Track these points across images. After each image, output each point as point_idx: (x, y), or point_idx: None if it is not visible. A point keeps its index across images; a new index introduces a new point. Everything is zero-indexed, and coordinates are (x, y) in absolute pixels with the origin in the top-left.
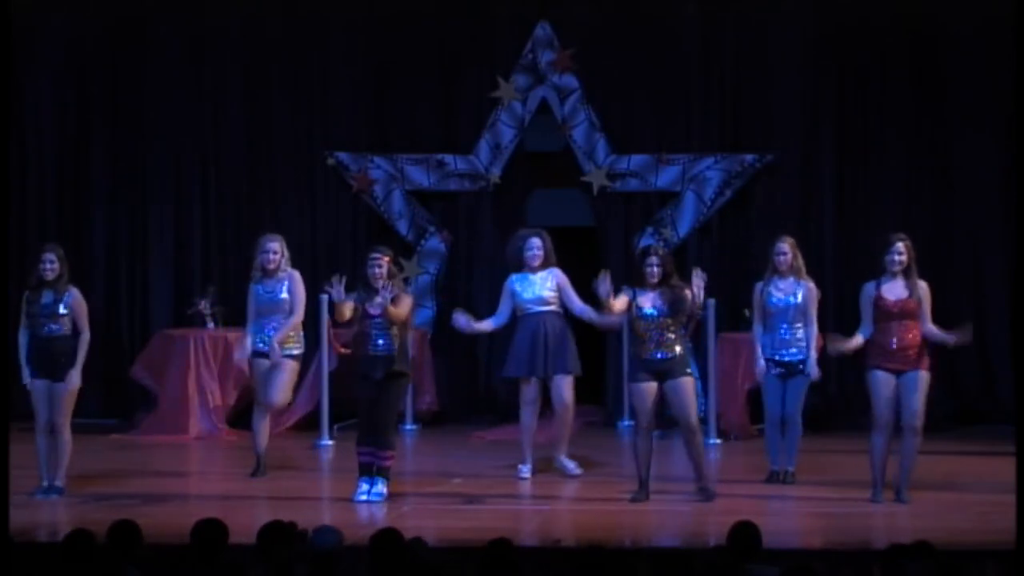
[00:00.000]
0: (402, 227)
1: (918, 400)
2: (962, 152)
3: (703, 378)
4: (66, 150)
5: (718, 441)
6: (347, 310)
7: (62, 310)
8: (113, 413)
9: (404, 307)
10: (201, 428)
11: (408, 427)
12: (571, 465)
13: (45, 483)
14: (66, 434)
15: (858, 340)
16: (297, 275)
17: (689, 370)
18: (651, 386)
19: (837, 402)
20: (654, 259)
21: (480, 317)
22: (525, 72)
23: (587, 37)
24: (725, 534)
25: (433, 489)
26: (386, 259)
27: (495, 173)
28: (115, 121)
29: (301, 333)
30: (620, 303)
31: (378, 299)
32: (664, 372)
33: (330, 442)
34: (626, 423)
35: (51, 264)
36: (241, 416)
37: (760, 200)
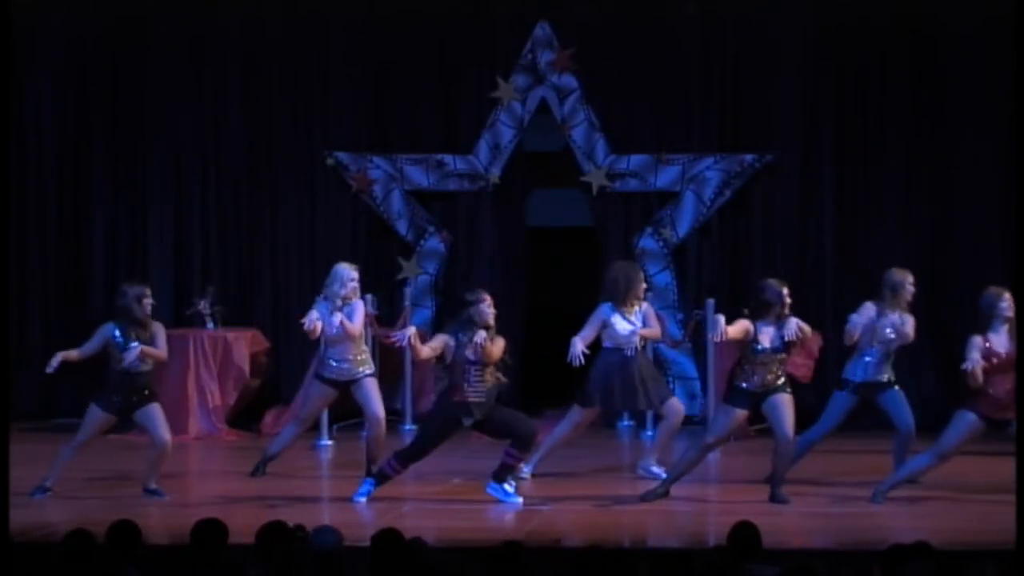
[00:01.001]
0: (401, 227)
1: None
2: (962, 152)
3: (702, 379)
4: (66, 150)
5: None
6: (426, 351)
7: (150, 346)
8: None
9: (499, 347)
10: (201, 428)
11: (408, 427)
12: (659, 471)
13: (47, 484)
14: (170, 447)
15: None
16: (362, 304)
17: (788, 388)
18: (742, 415)
19: None
20: (787, 291)
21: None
22: (525, 72)
23: (587, 37)
24: (725, 534)
25: (433, 489)
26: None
27: (494, 173)
28: (115, 121)
29: (368, 352)
30: (736, 329)
31: (476, 339)
32: (763, 397)
33: (329, 442)
34: (625, 423)
35: (151, 302)
36: (241, 416)
37: (760, 200)
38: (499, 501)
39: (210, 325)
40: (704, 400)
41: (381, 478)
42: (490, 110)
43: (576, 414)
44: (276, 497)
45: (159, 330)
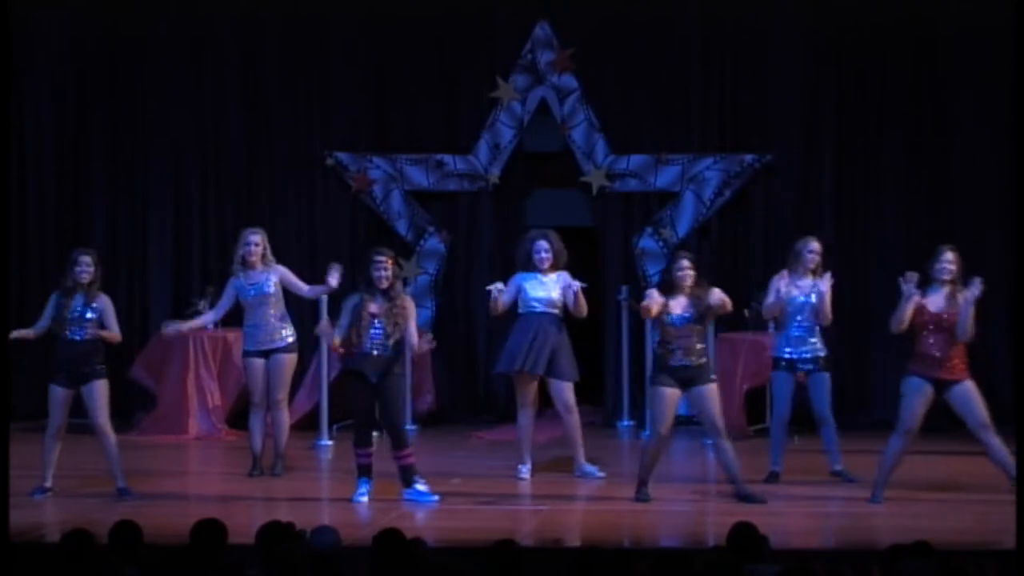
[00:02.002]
0: (401, 227)
1: (978, 407)
2: (962, 152)
3: None
4: (66, 150)
5: None
6: (338, 343)
7: (89, 315)
8: (112, 413)
9: (412, 312)
10: (200, 428)
11: (407, 427)
12: (592, 469)
13: (47, 484)
14: (110, 433)
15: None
16: (284, 268)
17: (713, 376)
18: (673, 392)
19: (832, 402)
20: (685, 263)
21: (479, 318)
22: (524, 72)
23: (587, 37)
24: (725, 534)
25: (433, 489)
26: (390, 261)
27: (494, 173)
28: (115, 121)
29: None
30: (656, 306)
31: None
32: (688, 379)
33: (329, 442)
34: (625, 423)
35: (87, 267)
36: (240, 416)
37: (760, 200)
38: (419, 503)
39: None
40: None
41: (363, 471)
42: (490, 110)
43: (519, 396)
44: (275, 497)
45: (107, 306)
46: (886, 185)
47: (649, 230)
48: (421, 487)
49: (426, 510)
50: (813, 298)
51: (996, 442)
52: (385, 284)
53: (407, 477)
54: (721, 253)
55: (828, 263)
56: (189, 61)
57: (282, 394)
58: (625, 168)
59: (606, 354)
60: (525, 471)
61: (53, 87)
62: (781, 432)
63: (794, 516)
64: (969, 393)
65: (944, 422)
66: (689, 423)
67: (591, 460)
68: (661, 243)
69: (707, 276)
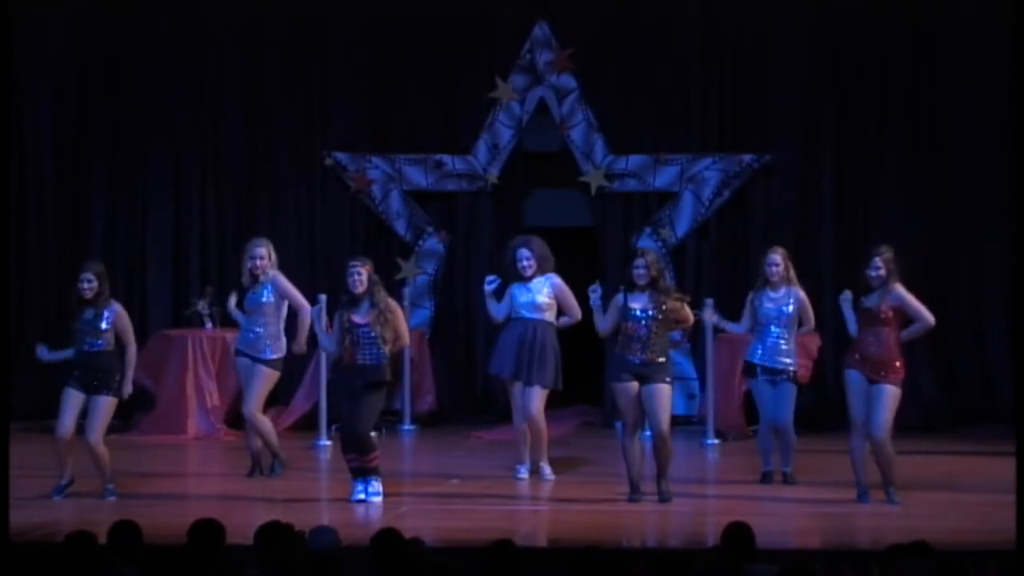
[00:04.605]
0: (400, 227)
1: (882, 414)
2: (962, 152)
3: (701, 379)
4: (66, 150)
5: (716, 441)
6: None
7: (103, 325)
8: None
9: (400, 321)
10: (199, 428)
11: (407, 427)
12: (547, 470)
13: (64, 481)
14: (99, 450)
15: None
16: (282, 276)
17: (668, 378)
18: (633, 386)
19: (833, 402)
20: (640, 261)
21: (478, 318)
22: (523, 72)
23: (586, 37)
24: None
25: (431, 489)
26: (366, 268)
27: (493, 173)
28: (115, 121)
29: (282, 339)
30: (611, 311)
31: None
32: (644, 376)
33: (327, 443)
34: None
35: (88, 283)
36: (239, 416)
37: (758, 201)
38: (368, 500)
39: (208, 325)
40: (702, 399)
41: (357, 473)
42: (489, 110)
43: (512, 399)
44: (274, 498)
45: (119, 316)
46: (886, 185)
47: (648, 230)
48: (378, 487)
49: (416, 511)
50: (789, 308)
51: (865, 447)
52: (360, 288)
53: (375, 476)
54: (720, 253)
55: (827, 263)
56: (189, 61)
57: (253, 404)
58: (624, 168)
59: (604, 354)
60: (524, 471)
61: (53, 87)
62: (768, 434)
63: (794, 516)
64: (881, 396)
65: (944, 422)
66: (688, 423)
67: (588, 460)
68: (660, 243)
69: (706, 276)
